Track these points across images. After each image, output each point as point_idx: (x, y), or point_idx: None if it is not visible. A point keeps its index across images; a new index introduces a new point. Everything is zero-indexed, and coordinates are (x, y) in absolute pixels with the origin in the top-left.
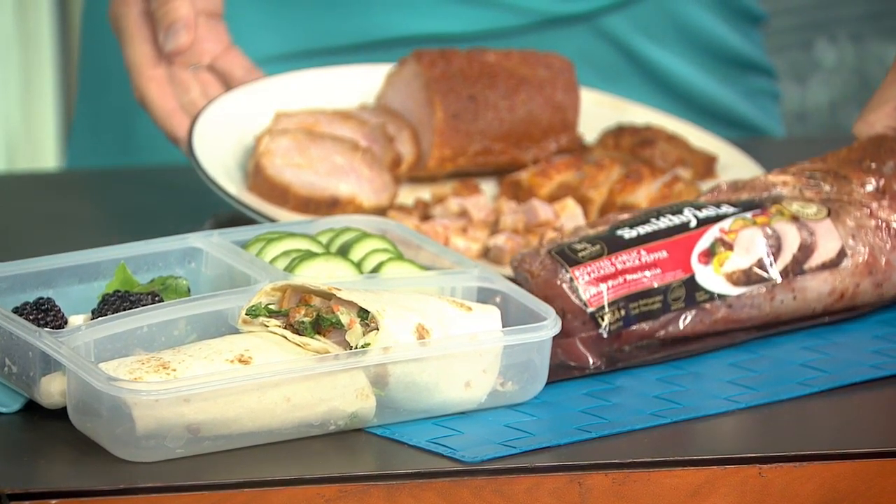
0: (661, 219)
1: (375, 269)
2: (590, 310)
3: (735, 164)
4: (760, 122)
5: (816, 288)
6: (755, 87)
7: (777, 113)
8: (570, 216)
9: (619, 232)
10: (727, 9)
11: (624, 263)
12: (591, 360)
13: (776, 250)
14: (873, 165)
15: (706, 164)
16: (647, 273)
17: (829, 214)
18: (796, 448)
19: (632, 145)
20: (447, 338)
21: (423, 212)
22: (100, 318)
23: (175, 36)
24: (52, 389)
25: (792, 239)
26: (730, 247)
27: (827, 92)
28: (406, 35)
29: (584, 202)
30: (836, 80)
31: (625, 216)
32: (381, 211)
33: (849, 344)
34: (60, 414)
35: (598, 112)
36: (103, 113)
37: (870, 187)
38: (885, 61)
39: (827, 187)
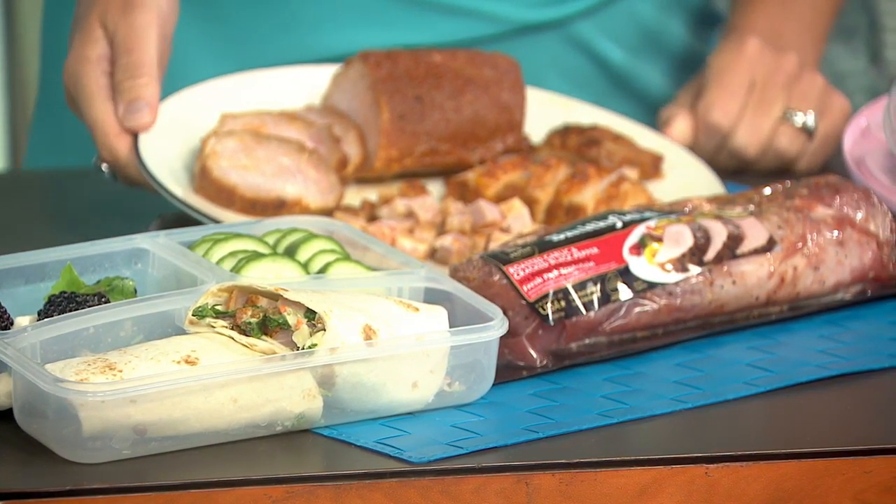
0: (588, 224)
1: (322, 270)
2: (529, 301)
3: (682, 164)
4: None
5: (754, 272)
6: None
7: None
8: (517, 217)
9: (548, 237)
10: (692, 14)
11: (556, 259)
12: (538, 359)
13: (705, 241)
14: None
15: (653, 164)
16: (581, 265)
17: (751, 214)
18: (742, 448)
19: (578, 145)
20: (394, 338)
21: (370, 213)
22: (46, 320)
23: (138, 114)
24: None
25: (719, 231)
26: (659, 239)
27: None
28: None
29: (530, 202)
30: None
31: (551, 228)
32: (327, 212)
33: (794, 344)
34: (6, 415)
35: (544, 112)
36: (67, 117)
37: (782, 196)
38: (835, 64)
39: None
